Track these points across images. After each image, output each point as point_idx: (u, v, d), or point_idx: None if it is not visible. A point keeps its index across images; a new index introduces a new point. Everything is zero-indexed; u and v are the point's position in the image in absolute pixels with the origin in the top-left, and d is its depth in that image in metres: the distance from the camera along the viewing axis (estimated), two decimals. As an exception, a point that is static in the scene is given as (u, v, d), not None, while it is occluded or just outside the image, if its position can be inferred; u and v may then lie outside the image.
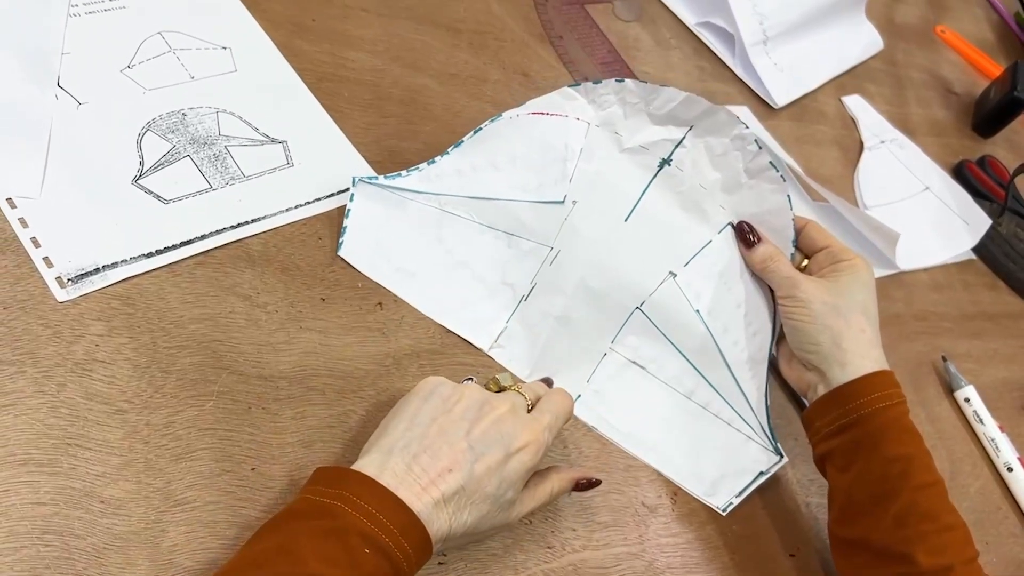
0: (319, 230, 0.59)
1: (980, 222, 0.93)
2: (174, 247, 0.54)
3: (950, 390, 0.78)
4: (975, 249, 0.93)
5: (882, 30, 1.11)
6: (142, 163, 0.57)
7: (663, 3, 0.97)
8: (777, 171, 0.62)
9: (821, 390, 0.59)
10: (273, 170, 0.61)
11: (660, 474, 0.60)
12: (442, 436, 0.46)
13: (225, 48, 0.65)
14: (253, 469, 0.49)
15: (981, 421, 0.76)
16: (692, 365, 0.62)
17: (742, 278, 0.64)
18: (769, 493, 0.62)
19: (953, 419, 0.77)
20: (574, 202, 0.61)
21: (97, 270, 0.51)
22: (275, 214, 0.58)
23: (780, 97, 0.93)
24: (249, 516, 0.47)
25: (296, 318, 0.55)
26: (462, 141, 0.61)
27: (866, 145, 0.97)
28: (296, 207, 0.59)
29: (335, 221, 0.60)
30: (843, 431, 0.56)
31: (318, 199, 0.60)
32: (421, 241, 0.60)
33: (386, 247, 0.60)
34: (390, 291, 0.59)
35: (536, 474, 0.51)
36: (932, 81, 1.14)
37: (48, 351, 0.48)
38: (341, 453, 0.51)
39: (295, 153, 0.62)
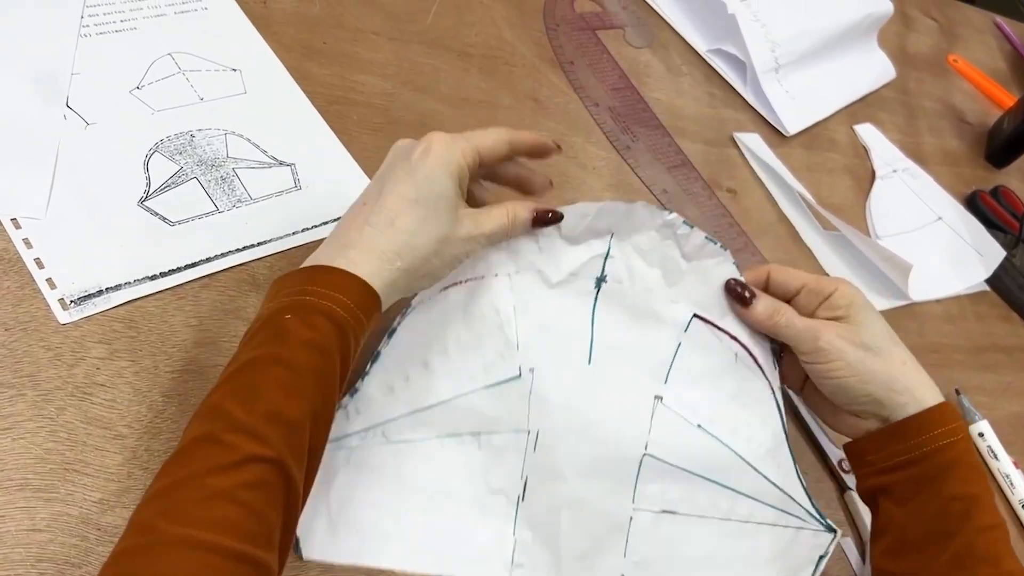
0: (325, 254, 0.59)
1: (994, 253, 0.92)
2: (179, 270, 0.54)
3: (964, 424, 0.77)
4: (989, 281, 0.92)
5: (894, 59, 1.11)
6: (149, 184, 0.57)
7: (674, 30, 0.97)
8: (715, 243, 0.56)
9: (875, 425, 0.56)
10: (280, 193, 0.60)
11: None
12: (353, 205, 0.49)
13: (235, 70, 0.65)
14: (253, 497, 0.48)
15: (995, 456, 0.74)
16: (719, 484, 0.54)
17: (726, 367, 0.56)
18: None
19: (967, 454, 0.75)
20: (531, 370, 0.52)
21: (100, 292, 0.51)
22: (281, 237, 0.58)
23: (792, 125, 0.93)
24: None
25: (300, 343, 0.54)
26: (379, 352, 0.52)
27: (878, 174, 0.96)
28: (303, 230, 0.59)
29: (342, 245, 0.60)
30: (904, 467, 0.53)
31: (325, 223, 0.60)
32: (380, 492, 0.51)
33: (346, 521, 0.50)
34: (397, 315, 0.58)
35: (487, 205, 0.52)
36: (945, 110, 1.13)
37: (48, 374, 0.47)
38: (343, 482, 0.51)
39: (303, 176, 0.62)
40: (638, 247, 0.56)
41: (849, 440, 0.58)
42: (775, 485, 0.55)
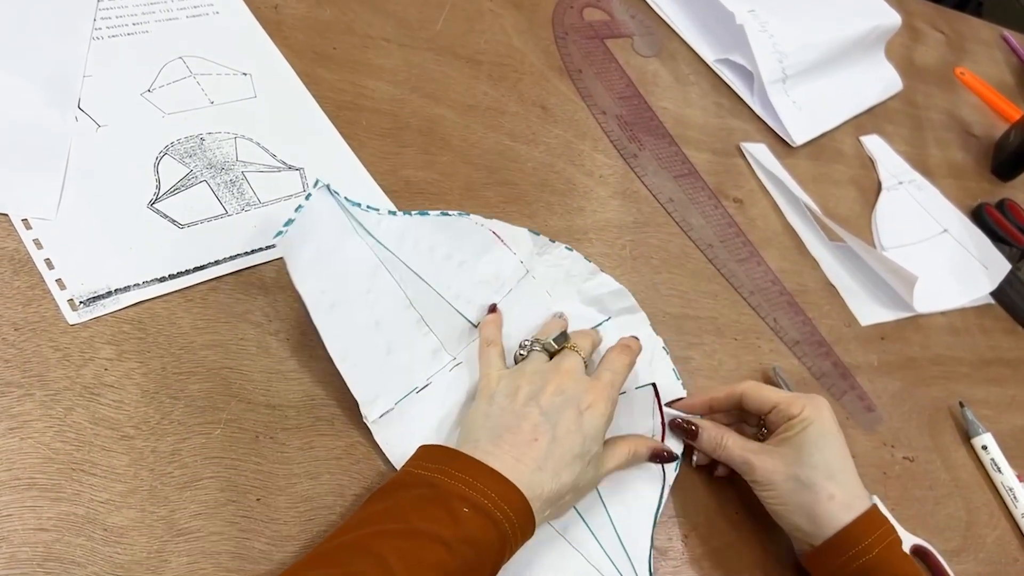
0: (333, 258, 0.59)
1: (999, 266, 0.92)
2: (187, 272, 0.54)
3: (967, 437, 0.77)
4: (994, 294, 0.92)
5: (901, 71, 1.11)
6: (159, 187, 0.57)
7: (683, 39, 0.97)
8: (655, 396, 0.61)
9: (805, 547, 0.58)
10: (289, 197, 0.60)
11: (672, 516, 0.59)
12: (517, 417, 0.50)
13: (246, 74, 0.66)
14: (259, 500, 0.48)
15: (999, 470, 0.74)
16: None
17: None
18: (779, 538, 0.61)
19: (970, 467, 0.75)
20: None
21: (109, 293, 0.51)
22: (290, 241, 0.58)
23: (798, 135, 0.93)
24: (253, 548, 0.47)
25: (307, 346, 0.55)
26: (428, 213, 0.59)
27: (884, 185, 0.96)
28: (311, 235, 0.59)
29: (349, 250, 0.60)
30: None
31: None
32: (352, 280, 0.55)
33: (320, 264, 0.54)
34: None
35: (613, 438, 0.56)
36: (951, 123, 1.13)
37: (57, 374, 0.48)
38: (348, 484, 0.51)
39: (312, 181, 0.62)
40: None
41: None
42: (619, 539, 0.56)
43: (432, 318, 0.58)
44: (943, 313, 0.87)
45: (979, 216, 1.00)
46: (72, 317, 0.50)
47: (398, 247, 0.57)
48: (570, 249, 0.66)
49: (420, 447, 0.49)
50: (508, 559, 0.47)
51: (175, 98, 0.62)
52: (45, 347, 0.48)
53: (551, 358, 0.56)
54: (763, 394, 0.60)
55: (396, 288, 0.57)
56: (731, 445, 0.59)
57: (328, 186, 0.55)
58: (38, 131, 0.55)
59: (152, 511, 0.45)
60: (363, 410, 0.53)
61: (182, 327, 0.52)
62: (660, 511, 0.58)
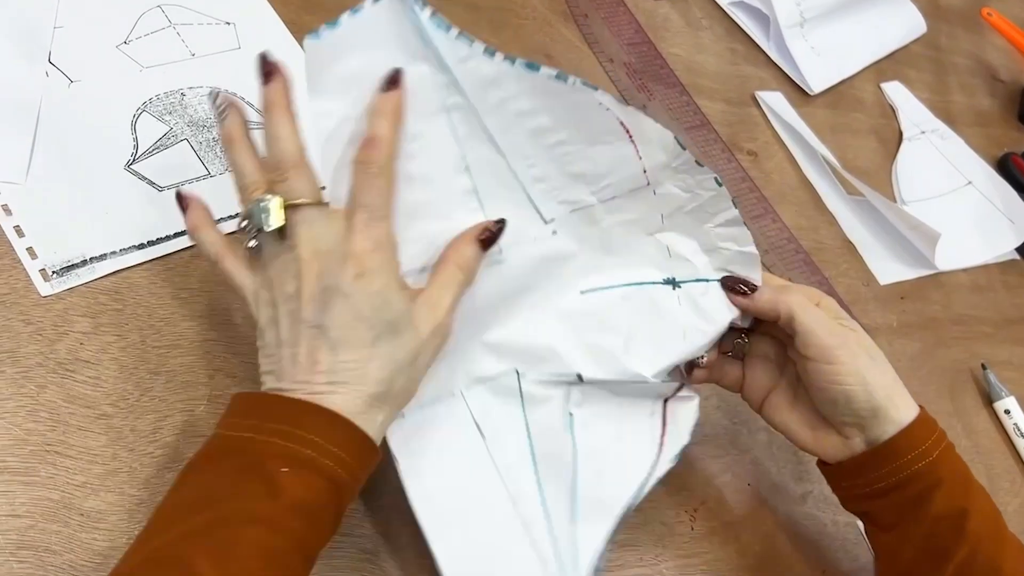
0: (323, 221, 0.56)
1: (1025, 220, 0.89)
2: (167, 238, 0.51)
3: (989, 400, 0.74)
4: (1019, 249, 0.88)
5: (925, 12, 1.06)
6: (136, 147, 0.54)
7: (695, -20, 0.92)
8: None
9: (859, 443, 0.50)
10: (276, 156, 0.57)
11: (680, 490, 0.57)
12: (290, 345, 0.41)
13: (229, 23, 0.62)
14: (245, 480, 0.46)
15: (1022, 435, 0.72)
16: (535, 468, 0.49)
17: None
18: (790, 510, 0.59)
19: (992, 432, 0.73)
20: (554, 232, 0.49)
21: (84, 262, 0.48)
22: (276, 203, 0.55)
23: (816, 83, 0.89)
24: (239, 532, 0.44)
25: (296, 316, 0.52)
26: (538, 68, 0.45)
27: (905, 135, 0.92)
28: (299, 196, 0.56)
29: (341, 211, 0.57)
30: (883, 494, 0.49)
31: (323, 187, 0.57)
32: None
33: (352, 83, 0.43)
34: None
35: (436, 264, 0.45)
36: (977, 67, 1.08)
37: (29, 349, 0.45)
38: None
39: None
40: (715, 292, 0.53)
41: (824, 462, 0.52)
42: (576, 512, 0.49)
43: (490, 195, 0.47)
44: (965, 270, 0.83)
45: (1005, 166, 0.96)
46: (44, 288, 0.47)
47: (479, 97, 0.45)
48: (720, 183, 0.50)
49: (234, 396, 0.41)
50: (353, 499, 0.40)
51: (153, 50, 0.58)
52: (16, 321, 0.46)
53: (281, 234, 0.42)
54: (810, 326, 0.49)
55: (452, 144, 0.46)
56: (804, 302, 0.49)
57: None
58: (5, 87, 0.52)
59: (132, 494, 0.43)
60: None
61: (162, 297, 0.49)
62: (643, 492, 0.50)
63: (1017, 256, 0.88)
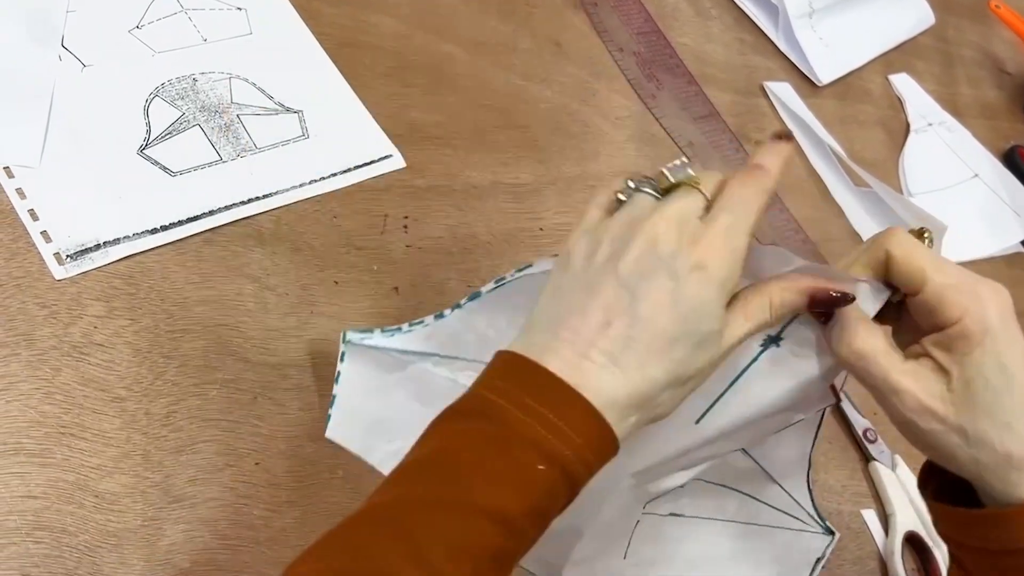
0: (334, 208, 0.56)
1: (1031, 212, 0.89)
2: (180, 223, 0.51)
3: (993, 392, 0.74)
4: (1024, 242, 0.88)
5: (933, 4, 1.05)
6: (149, 131, 0.54)
7: (704, -30, 0.92)
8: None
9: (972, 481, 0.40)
10: (287, 142, 0.57)
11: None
12: (588, 292, 0.37)
13: (240, 9, 0.62)
14: (257, 464, 0.46)
15: None
16: (732, 489, 0.50)
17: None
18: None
19: (995, 423, 0.73)
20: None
21: (98, 246, 0.49)
22: (288, 189, 0.55)
23: (824, 74, 0.88)
24: (251, 515, 0.45)
25: (307, 302, 0.52)
26: (479, 293, 0.46)
27: (912, 127, 0.92)
28: (311, 182, 0.56)
29: (352, 198, 0.57)
30: (984, 554, 0.40)
31: (334, 174, 0.57)
32: (427, 415, 0.43)
33: (383, 422, 0.48)
34: (407, 276, 0.56)
35: (750, 287, 0.39)
36: (984, 60, 1.08)
37: (44, 332, 0.45)
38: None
39: (311, 124, 0.59)
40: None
41: (934, 495, 0.43)
42: (784, 490, 0.52)
43: None
44: (971, 262, 0.83)
45: (1011, 159, 0.96)
46: (59, 272, 0.47)
47: (467, 348, 0.47)
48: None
49: (498, 353, 0.37)
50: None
51: (165, 35, 0.58)
52: (31, 304, 0.46)
53: (657, 192, 0.39)
54: (917, 263, 0.39)
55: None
56: (882, 355, 0.39)
57: (345, 334, 0.48)
58: (18, 72, 0.52)
59: (146, 476, 0.44)
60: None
61: (175, 282, 0.49)
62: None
63: (1022, 249, 0.88)
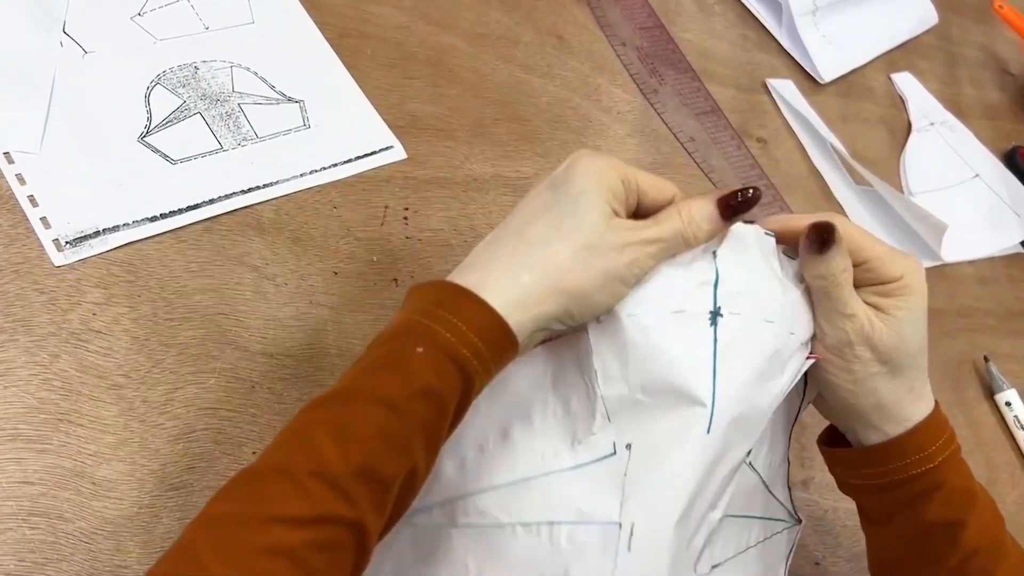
0: (334, 198, 0.56)
1: (1031, 213, 0.89)
2: (180, 211, 0.51)
3: (991, 392, 0.75)
4: (1024, 242, 0.88)
5: (937, 3, 1.05)
6: (150, 119, 0.54)
7: (708, -35, 0.92)
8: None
9: (853, 438, 0.47)
10: (288, 131, 0.57)
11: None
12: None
13: (243, -3, 0.62)
14: (254, 453, 0.46)
15: (1022, 427, 0.72)
16: (746, 517, 0.47)
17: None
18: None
19: (992, 423, 0.73)
20: (628, 446, 0.41)
21: (97, 233, 0.48)
22: (288, 179, 0.55)
23: (827, 72, 0.88)
24: (248, 504, 0.45)
25: (307, 292, 0.52)
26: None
27: (914, 126, 0.92)
28: (311, 172, 0.56)
29: (352, 189, 0.57)
30: (876, 491, 0.47)
31: (335, 164, 0.57)
32: None
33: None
34: (407, 267, 0.56)
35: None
36: (987, 60, 1.08)
37: (42, 319, 0.45)
38: (348, 438, 0.49)
39: (312, 114, 0.58)
40: (747, 265, 0.44)
41: (824, 443, 0.50)
42: (775, 498, 0.49)
43: (560, 509, 0.41)
44: (971, 262, 0.83)
45: (1012, 159, 0.96)
46: (58, 258, 0.47)
47: (459, 483, 0.43)
48: None
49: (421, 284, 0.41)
50: (480, 392, 0.39)
51: (167, 23, 0.58)
52: (29, 290, 0.46)
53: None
54: (859, 240, 0.44)
55: (490, 530, 0.42)
56: (848, 291, 0.44)
57: None
58: (19, 57, 0.52)
59: (143, 464, 0.44)
60: None
61: (174, 270, 0.49)
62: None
63: (1022, 249, 0.89)
